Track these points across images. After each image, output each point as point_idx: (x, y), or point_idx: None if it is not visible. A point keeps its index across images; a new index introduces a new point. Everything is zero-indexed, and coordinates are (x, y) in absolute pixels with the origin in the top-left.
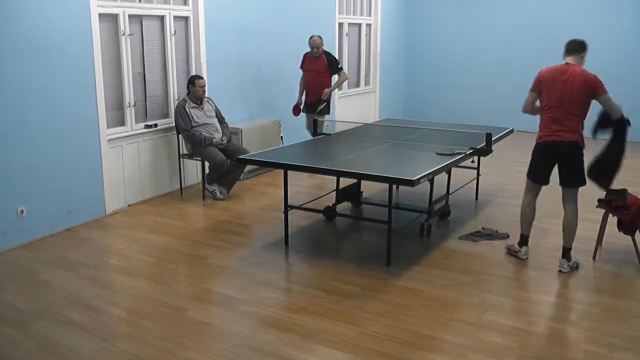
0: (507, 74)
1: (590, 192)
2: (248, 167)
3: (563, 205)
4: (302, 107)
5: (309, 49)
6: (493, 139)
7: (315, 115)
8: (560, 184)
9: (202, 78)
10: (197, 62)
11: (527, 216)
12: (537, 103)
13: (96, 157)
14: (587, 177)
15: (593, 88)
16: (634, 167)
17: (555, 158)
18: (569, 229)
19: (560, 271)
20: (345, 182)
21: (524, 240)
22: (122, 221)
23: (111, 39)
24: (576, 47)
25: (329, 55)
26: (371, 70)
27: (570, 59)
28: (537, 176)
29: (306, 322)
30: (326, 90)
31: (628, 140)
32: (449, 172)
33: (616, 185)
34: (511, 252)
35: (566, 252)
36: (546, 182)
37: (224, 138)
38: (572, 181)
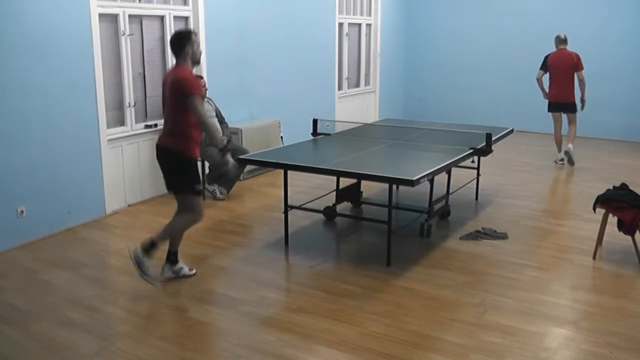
0: (507, 74)
1: (590, 193)
2: (248, 167)
3: None
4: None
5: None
6: (493, 139)
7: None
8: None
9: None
10: None
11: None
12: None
13: (96, 157)
14: None
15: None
16: (634, 167)
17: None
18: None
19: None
20: (345, 182)
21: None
22: (122, 221)
23: (111, 39)
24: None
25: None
26: (371, 70)
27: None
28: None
29: (306, 322)
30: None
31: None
32: (449, 172)
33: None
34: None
35: (169, 255)
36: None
37: (224, 138)
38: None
